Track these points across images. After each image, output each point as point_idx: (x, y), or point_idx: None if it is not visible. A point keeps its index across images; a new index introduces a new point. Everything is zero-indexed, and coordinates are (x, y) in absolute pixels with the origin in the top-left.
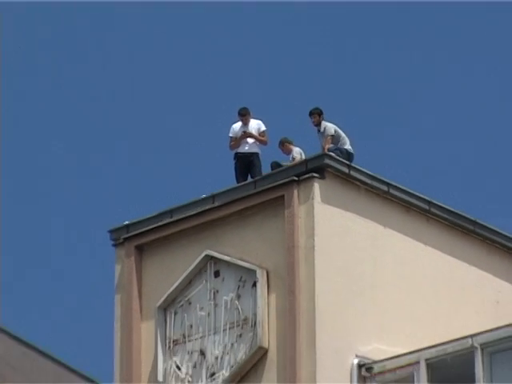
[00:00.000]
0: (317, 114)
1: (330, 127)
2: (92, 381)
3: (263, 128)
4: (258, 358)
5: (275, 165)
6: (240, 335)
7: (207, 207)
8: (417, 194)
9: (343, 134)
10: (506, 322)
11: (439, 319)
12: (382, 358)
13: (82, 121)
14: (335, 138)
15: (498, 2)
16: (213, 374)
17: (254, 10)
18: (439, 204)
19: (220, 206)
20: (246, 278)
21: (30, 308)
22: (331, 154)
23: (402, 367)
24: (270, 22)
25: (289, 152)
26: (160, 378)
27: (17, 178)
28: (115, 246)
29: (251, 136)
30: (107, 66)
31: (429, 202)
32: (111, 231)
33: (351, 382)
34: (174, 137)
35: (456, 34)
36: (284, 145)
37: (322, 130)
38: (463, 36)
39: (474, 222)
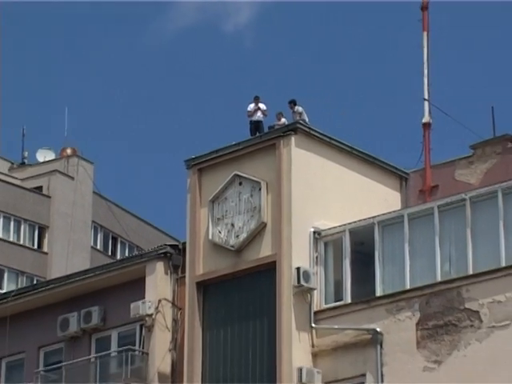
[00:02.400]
0: (293, 103)
1: (299, 109)
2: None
3: (264, 108)
4: (261, 228)
5: (271, 127)
6: (252, 216)
7: (240, 147)
8: (343, 141)
9: (305, 113)
10: (391, 210)
11: (357, 208)
12: (326, 228)
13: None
14: (302, 114)
15: None
16: (238, 236)
17: None
18: (357, 148)
19: (244, 148)
20: (256, 185)
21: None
22: (300, 121)
23: (336, 233)
24: None
25: (279, 120)
26: (210, 237)
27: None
28: (188, 168)
29: (260, 110)
30: None
31: (351, 147)
32: (186, 160)
33: (309, 241)
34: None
35: None
36: (277, 116)
37: (295, 110)
38: None
39: (374, 158)
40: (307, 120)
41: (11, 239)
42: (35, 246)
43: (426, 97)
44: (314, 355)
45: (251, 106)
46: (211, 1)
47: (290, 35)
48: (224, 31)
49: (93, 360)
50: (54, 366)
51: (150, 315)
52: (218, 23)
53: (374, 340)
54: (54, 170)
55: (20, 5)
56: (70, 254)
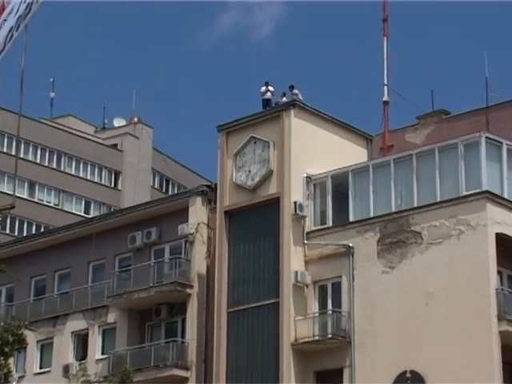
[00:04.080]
0: (291, 87)
1: (296, 91)
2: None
3: (272, 89)
4: (269, 173)
5: (277, 103)
6: (263, 165)
7: (255, 117)
8: (328, 113)
9: (300, 94)
10: (360, 162)
11: (337, 160)
12: (315, 174)
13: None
14: (298, 95)
15: None
16: (253, 179)
17: None
18: (337, 118)
19: (258, 118)
20: (266, 144)
21: None
22: (297, 100)
23: (322, 178)
24: None
25: (282, 98)
26: (234, 179)
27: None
28: (218, 131)
29: (269, 91)
30: None
31: (333, 117)
32: (217, 126)
33: (303, 183)
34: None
35: None
36: (281, 96)
37: (293, 92)
38: None
39: (349, 125)
40: (301, 98)
41: (96, 180)
42: (112, 185)
43: (386, 82)
44: (306, 262)
45: (263, 89)
46: (241, 16)
47: (296, 44)
48: (251, 40)
49: (152, 265)
50: (125, 269)
51: (192, 234)
52: (247, 34)
53: (348, 252)
54: (125, 133)
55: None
56: (136, 191)
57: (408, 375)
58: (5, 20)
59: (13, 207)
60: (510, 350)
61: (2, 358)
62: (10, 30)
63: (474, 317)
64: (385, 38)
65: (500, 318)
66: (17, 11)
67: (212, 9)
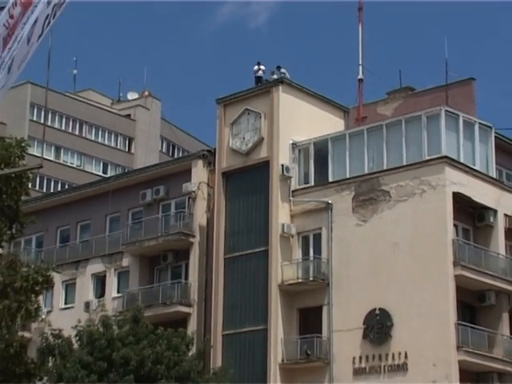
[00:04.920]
0: (279, 67)
1: (283, 70)
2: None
3: (264, 68)
4: (260, 140)
5: (267, 80)
6: (255, 133)
7: (248, 92)
8: (311, 89)
9: (287, 72)
10: (338, 131)
11: (318, 129)
12: (299, 141)
13: None
14: (285, 74)
15: None
16: (247, 145)
17: None
18: (318, 93)
19: (251, 92)
20: (258, 115)
21: None
22: (284, 77)
23: (305, 144)
24: None
25: (272, 75)
26: (230, 145)
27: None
28: (218, 104)
29: (261, 70)
30: None
31: (315, 92)
32: (216, 99)
33: (289, 148)
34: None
35: None
36: (271, 74)
37: (281, 71)
38: None
39: (329, 99)
40: (288, 76)
41: (112, 145)
42: (126, 150)
43: (360, 63)
44: (291, 216)
45: (255, 68)
46: (240, 1)
47: (287, 30)
48: (248, 27)
49: (160, 218)
50: (137, 221)
51: (194, 191)
52: (245, 22)
53: (327, 208)
54: (137, 105)
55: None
56: (146, 154)
57: (377, 312)
58: (35, 6)
59: (41, 167)
60: (463, 290)
61: (33, 295)
62: (47, 18)
63: (434, 263)
64: (360, 25)
65: (455, 264)
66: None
67: (214, 0)
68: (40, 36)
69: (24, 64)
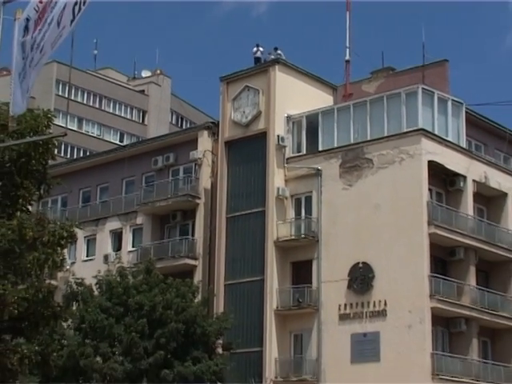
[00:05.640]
0: (275, 48)
1: (279, 51)
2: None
3: (262, 49)
4: (259, 114)
5: (264, 61)
6: (254, 107)
7: (248, 71)
8: (304, 68)
9: (282, 53)
10: (327, 105)
11: (310, 104)
12: (293, 114)
13: None
14: (281, 54)
15: None
16: (246, 117)
17: None
18: (311, 72)
19: (251, 71)
20: (257, 91)
21: None
22: (280, 58)
23: (298, 117)
24: None
25: (269, 55)
26: (232, 117)
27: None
28: (221, 81)
29: (260, 51)
30: None
31: (307, 71)
32: (220, 77)
33: (284, 121)
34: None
35: None
36: (268, 54)
37: (277, 52)
38: None
39: (319, 77)
40: (284, 57)
41: (128, 117)
42: (140, 121)
43: (348, 45)
44: (286, 181)
45: (254, 49)
46: None
47: (285, 17)
48: (251, 15)
49: (170, 181)
50: (150, 184)
51: (200, 158)
52: (248, 10)
53: (317, 174)
54: (150, 82)
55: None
56: (158, 125)
57: (360, 265)
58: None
59: (65, 135)
60: (436, 246)
61: (58, 248)
62: (76, 4)
63: (411, 222)
64: (348, 13)
65: (429, 223)
66: None
67: None
68: (72, 21)
69: (56, 45)
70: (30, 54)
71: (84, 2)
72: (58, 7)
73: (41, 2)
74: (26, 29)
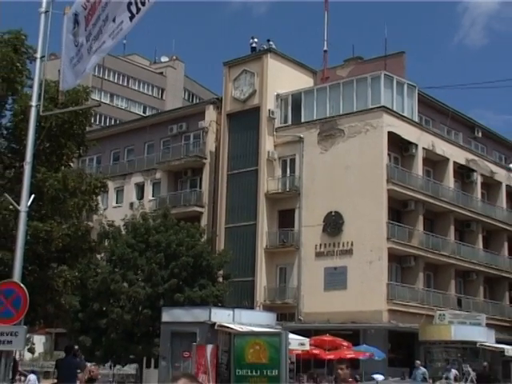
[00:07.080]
0: (268, 40)
1: (271, 42)
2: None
3: (256, 40)
4: (254, 91)
5: (259, 50)
6: (250, 86)
7: (246, 58)
8: (292, 56)
9: (273, 43)
10: (308, 86)
11: (295, 85)
12: (281, 93)
13: None
14: (272, 44)
15: None
16: (244, 95)
17: None
18: (297, 59)
19: (248, 58)
20: (252, 74)
21: None
22: (272, 47)
23: (285, 95)
24: None
25: (263, 46)
26: (232, 94)
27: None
28: (224, 66)
29: (255, 42)
30: None
31: (294, 59)
32: (223, 62)
33: (274, 98)
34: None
35: None
36: (262, 45)
37: (269, 43)
38: None
39: (303, 64)
40: (274, 47)
41: (149, 93)
42: (159, 97)
43: (325, 38)
44: (275, 146)
45: (251, 40)
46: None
47: (281, 16)
48: (253, 14)
49: (182, 145)
50: (166, 147)
51: (207, 127)
52: (251, 10)
53: (300, 140)
54: (167, 65)
55: None
56: (173, 100)
57: (333, 214)
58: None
59: (99, 105)
60: (393, 199)
61: (94, 196)
62: (131, 4)
63: (373, 180)
64: (326, 12)
65: (388, 181)
66: None
67: None
68: (131, 17)
69: (118, 37)
70: (87, 44)
71: (143, 3)
72: (111, 6)
73: (88, 1)
74: (76, 22)
